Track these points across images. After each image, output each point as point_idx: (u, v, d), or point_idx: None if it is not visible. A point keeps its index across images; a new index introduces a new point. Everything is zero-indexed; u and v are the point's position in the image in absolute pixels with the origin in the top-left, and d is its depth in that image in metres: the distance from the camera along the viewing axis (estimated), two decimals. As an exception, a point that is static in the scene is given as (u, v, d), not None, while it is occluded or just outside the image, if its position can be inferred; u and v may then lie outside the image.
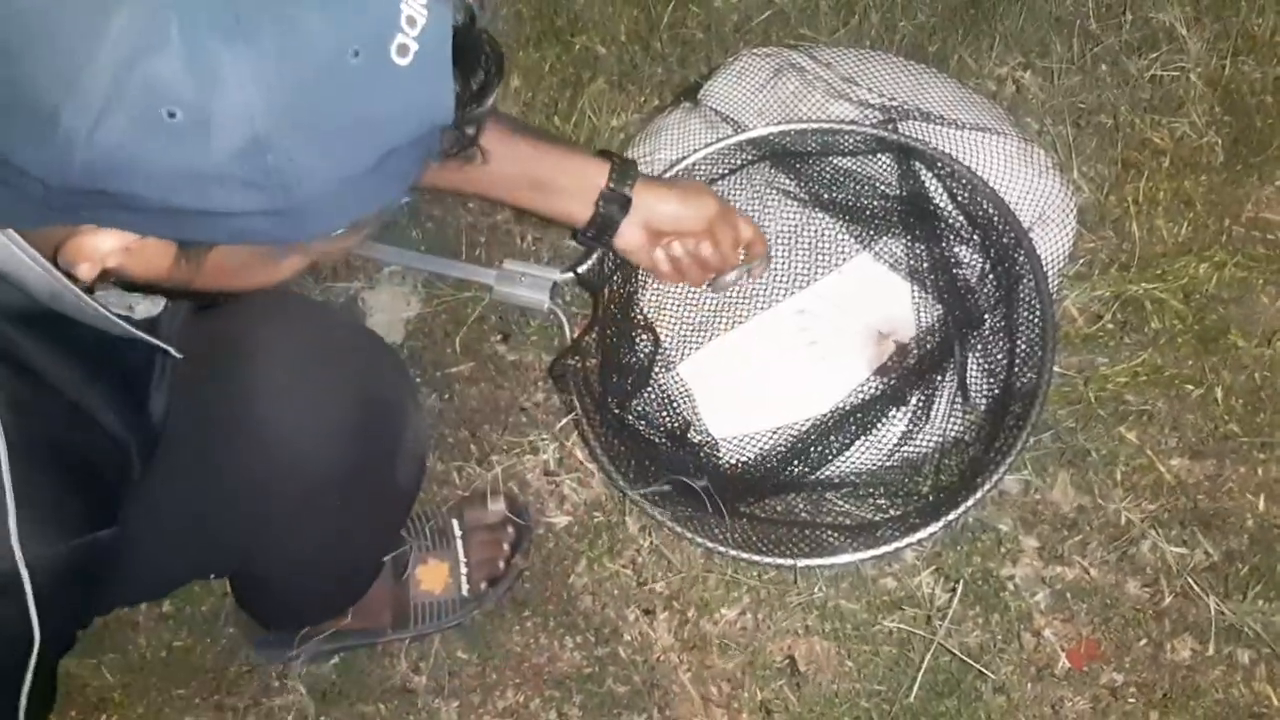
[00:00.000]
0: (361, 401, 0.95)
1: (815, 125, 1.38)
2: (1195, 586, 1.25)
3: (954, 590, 1.25)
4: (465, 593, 1.29)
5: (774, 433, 1.30)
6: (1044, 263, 1.30)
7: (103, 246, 0.60)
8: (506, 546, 1.31)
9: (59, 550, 0.68)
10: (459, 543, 1.31)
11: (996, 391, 1.28)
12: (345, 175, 0.58)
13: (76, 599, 0.73)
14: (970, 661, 1.21)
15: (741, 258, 1.28)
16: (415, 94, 0.58)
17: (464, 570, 1.30)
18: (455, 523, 1.31)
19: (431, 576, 1.29)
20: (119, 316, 0.72)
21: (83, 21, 0.51)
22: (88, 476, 0.73)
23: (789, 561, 1.24)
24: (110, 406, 0.76)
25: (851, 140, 1.38)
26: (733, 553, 1.24)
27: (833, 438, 1.29)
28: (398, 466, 1.03)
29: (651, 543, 1.31)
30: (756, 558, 1.24)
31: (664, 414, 1.33)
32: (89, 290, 0.68)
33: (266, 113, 0.54)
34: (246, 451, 0.88)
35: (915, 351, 1.32)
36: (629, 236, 1.18)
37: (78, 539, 0.70)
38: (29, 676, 0.70)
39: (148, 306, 0.77)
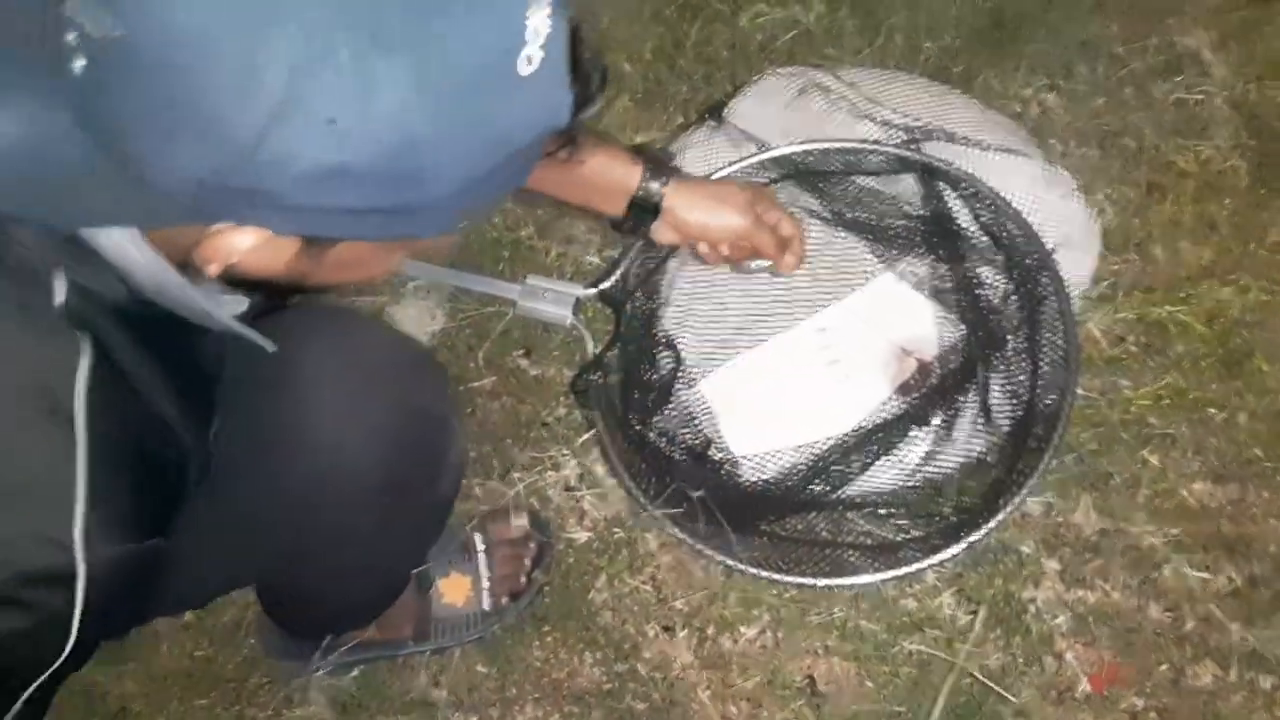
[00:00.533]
0: (406, 414, 0.97)
1: (839, 144, 1.38)
2: (1218, 612, 1.24)
3: (975, 612, 1.25)
4: (487, 607, 1.30)
5: (795, 451, 1.30)
6: (1068, 285, 1.31)
7: (240, 245, 0.63)
8: (528, 561, 1.32)
9: (118, 553, 0.69)
10: (481, 557, 1.31)
11: (1019, 413, 1.28)
12: (470, 176, 0.61)
13: (120, 606, 0.73)
14: (991, 685, 1.21)
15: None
16: (538, 100, 0.61)
17: (486, 584, 1.30)
18: (478, 537, 1.32)
19: (453, 590, 1.30)
20: (223, 314, 0.73)
21: (248, 38, 0.54)
22: (156, 482, 0.75)
23: (810, 581, 1.24)
24: (182, 414, 0.77)
25: (875, 160, 1.38)
26: (752, 571, 1.25)
27: (854, 457, 1.29)
28: (438, 478, 1.05)
29: (671, 559, 1.31)
30: (776, 576, 1.24)
31: (685, 431, 1.34)
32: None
33: (414, 116, 0.57)
34: (294, 462, 0.89)
35: (938, 371, 1.32)
36: (661, 234, 1.21)
37: (137, 544, 0.70)
38: (41, 678, 0.70)
39: (233, 305, 0.79)
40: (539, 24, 0.59)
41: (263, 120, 0.55)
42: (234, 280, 0.68)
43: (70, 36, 0.56)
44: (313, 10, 0.54)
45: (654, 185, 1.16)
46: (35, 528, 0.66)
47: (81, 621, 0.68)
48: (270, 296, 0.82)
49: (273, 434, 0.89)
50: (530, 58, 0.59)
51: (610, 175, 1.16)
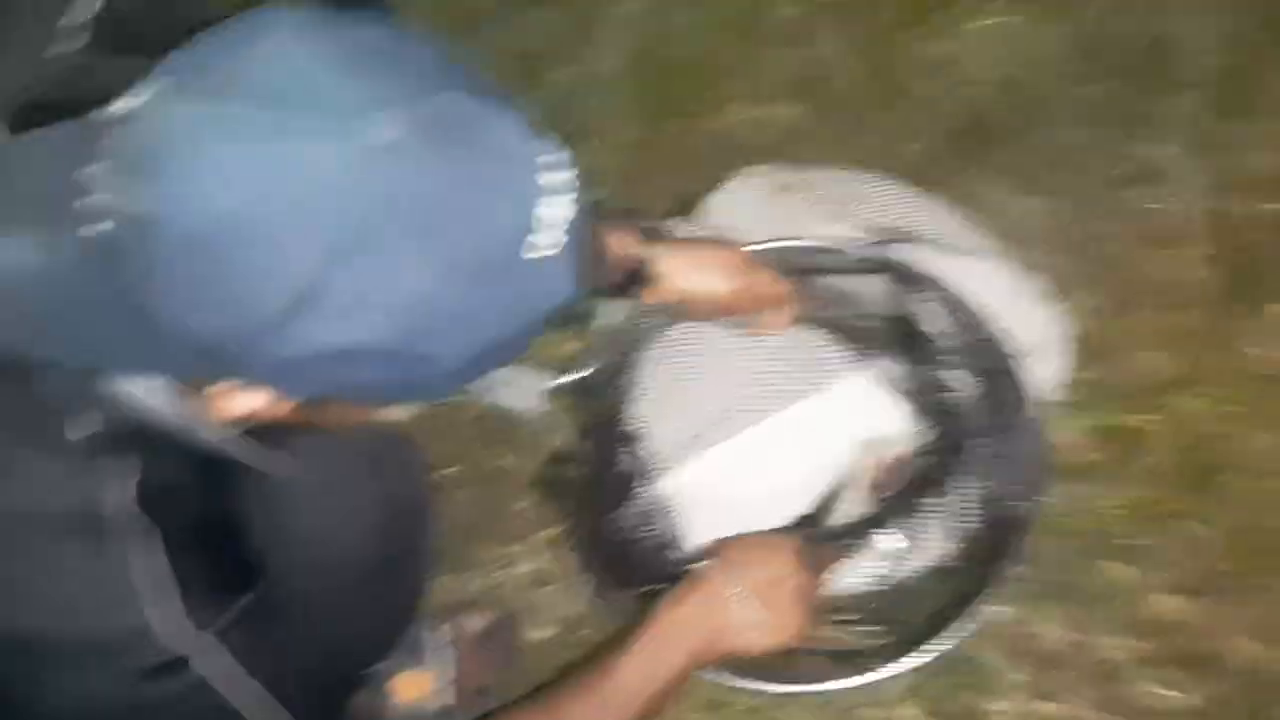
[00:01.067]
0: (392, 497, 0.98)
1: (813, 243, 1.39)
2: (1185, 731, 1.22)
3: (936, 726, 1.22)
4: (451, 701, 1.27)
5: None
6: (1036, 391, 1.30)
7: (250, 404, 0.65)
8: (489, 659, 1.29)
9: (216, 622, 0.72)
10: (441, 654, 1.29)
11: (987, 519, 1.27)
12: (480, 354, 0.63)
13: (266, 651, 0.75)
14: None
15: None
16: (552, 281, 0.63)
17: (445, 681, 1.28)
18: (437, 634, 1.29)
19: (410, 687, 1.26)
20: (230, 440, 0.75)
21: (284, 224, 0.56)
22: (220, 552, 0.78)
23: (772, 687, 1.21)
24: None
25: (848, 260, 1.39)
26: (710, 678, 1.22)
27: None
28: (421, 558, 1.06)
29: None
30: (739, 683, 1.22)
31: (649, 527, 1.32)
32: None
33: (435, 303, 0.59)
34: (287, 544, 0.88)
35: (906, 473, 1.31)
36: (653, 299, 1.19)
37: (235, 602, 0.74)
38: None
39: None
40: (557, 209, 0.61)
41: (288, 302, 0.56)
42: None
43: (96, 199, 0.58)
44: (350, 199, 0.56)
45: (649, 251, 1.15)
46: (125, 638, 0.69)
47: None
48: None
49: (265, 528, 0.88)
50: (548, 241, 0.61)
51: (608, 242, 1.14)
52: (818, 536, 1.23)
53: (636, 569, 1.28)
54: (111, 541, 0.69)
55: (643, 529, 1.32)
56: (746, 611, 1.05)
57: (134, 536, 0.69)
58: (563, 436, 1.35)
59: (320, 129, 0.56)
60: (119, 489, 0.69)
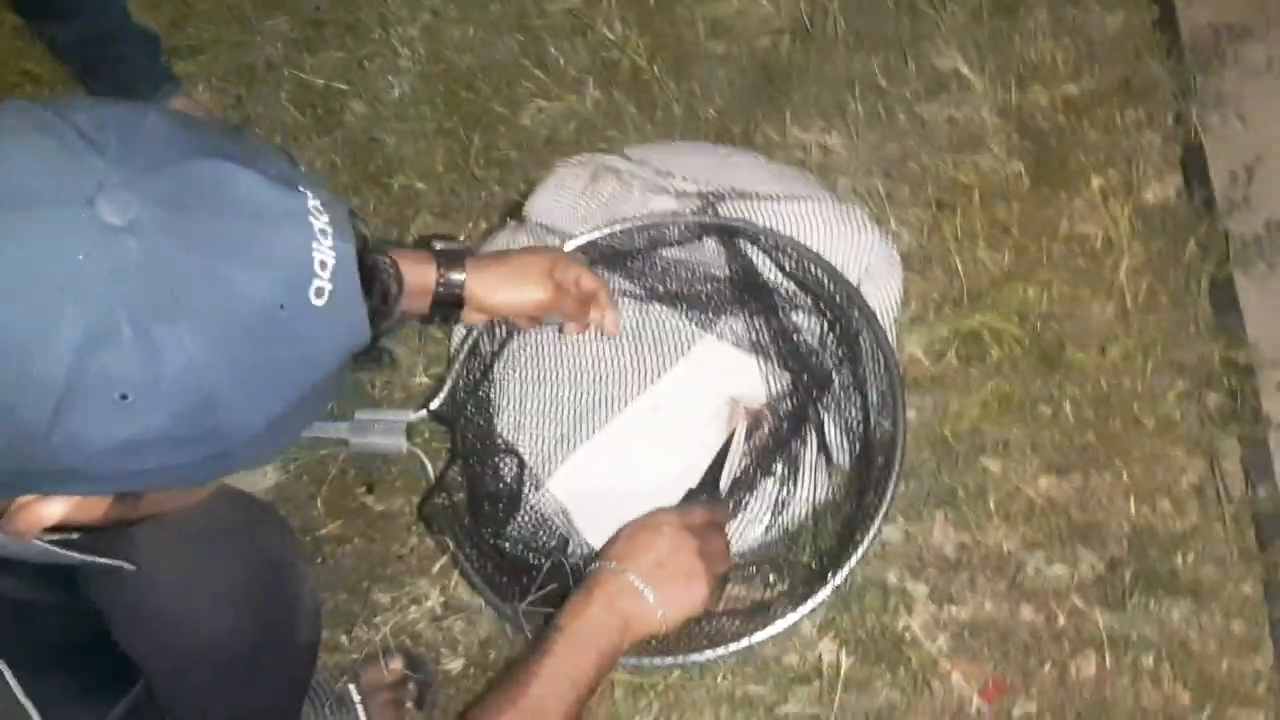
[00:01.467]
0: (253, 568, 0.95)
1: (638, 222, 1.40)
2: (1083, 603, 1.26)
3: (856, 653, 1.24)
4: (372, 758, 1.25)
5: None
6: (879, 313, 1.33)
7: (50, 514, 0.62)
8: (410, 703, 1.28)
9: None
10: (360, 709, 1.27)
11: (858, 447, 1.30)
12: (277, 414, 0.61)
13: None
14: (882, 722, 1.21)
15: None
16: (337, 328, 0.62)
17: (365, 737, 1.26)
18: (353, 688, 1.27)
19: (334, 748, 1.25)
20: (58, 545, 0.71)
21: (31, 323, 0.54)
22: (91, 658, 0.76)
23: (692, 658, 1.22)
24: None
25: (675, 230, 1.40)
26: (633, 661, 1.22)
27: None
28: (296, 626, 1.02)
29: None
30: (657, 661, 1.22)
31: (542, 534, 1.32)
32: None
33: (209, 376, 0.57)
34: (152, 640, 0.87)
35: (771, 420, 1.33)
36: (469, 317, 1.20)
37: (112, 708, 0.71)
38: None
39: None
40: (324, 256, 0.60)
41: (50, 406, 0.54)
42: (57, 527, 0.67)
43: None
44: (89, 290, 0.54)
45: (453, 276, 1.15)
46: None
47: None
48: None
49: (127, 616, 0.86)
50: (320, 289, 0.60)
51: (408, 277, 1.12)
52: (694, 500, 1.24)
53: (534, 579, 1.28)
54: None
55: (532, 538, 1.31)
56: (645, 597, 1.06)
57: None
58: (435, 467, 1.33)
59: (48, 222, 0.54)
60: None
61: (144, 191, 0.56)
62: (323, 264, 0.60)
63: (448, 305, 1.16)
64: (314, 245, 0.60)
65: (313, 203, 0.61)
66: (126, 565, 0.79)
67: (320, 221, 0.60)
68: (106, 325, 0.54)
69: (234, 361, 0.57)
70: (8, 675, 0.67)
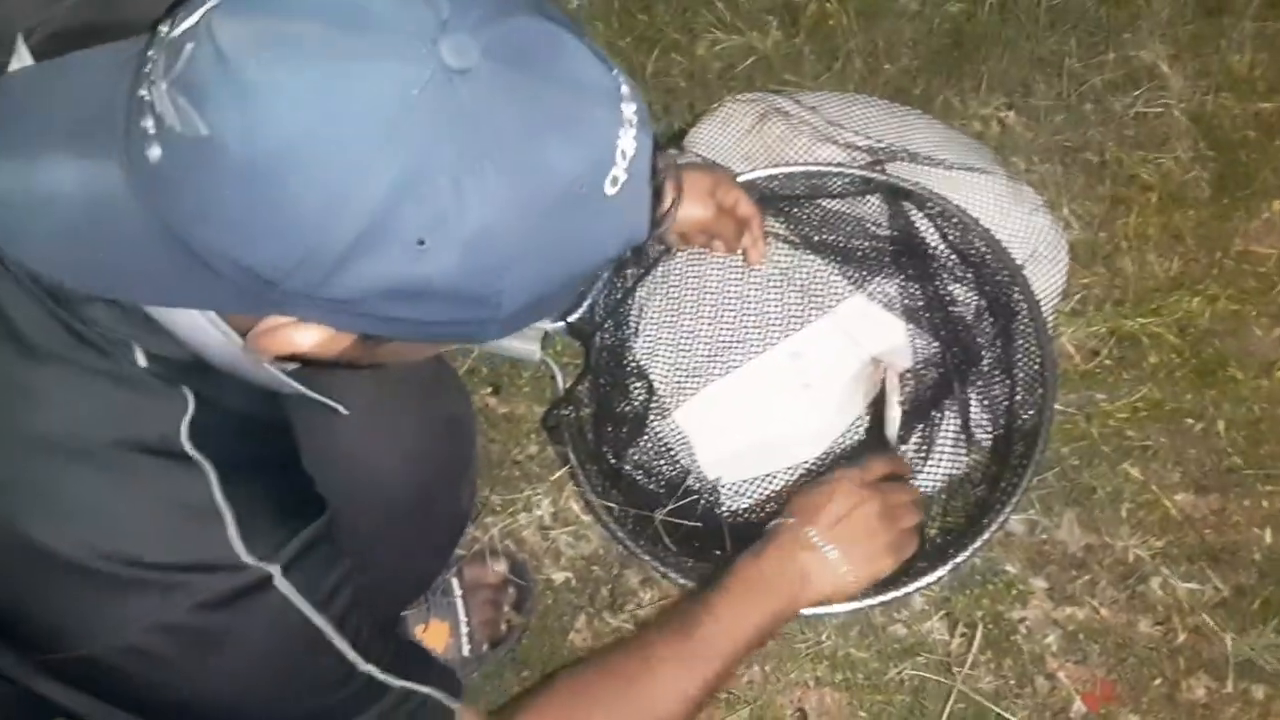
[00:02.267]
0: (435, 424, 0.97)
1: (802, 168, 1.37)
2: (1209, 623, 1.23)
3: (966, 635, 1.22)
4: (466, 653, 1.25)
5: (773, 476, 1.28)
6: (1039, 299, 1.29)
7: (303, 341, 0.61)
8: (507, 606, 1.28)
9: (291, 542, 0.70)
10: (460, 603, 1.27)
11: (999, 430, 1.27)
12: (543, 294, 0.60)
13: (334, 580, 0.73)
14: (990, 705, 1.18)
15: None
16: (621, 219, 0.60)
17: (465, 631, 1.26)
18: (455, 582, 1.28)
19: (433, 637, 1.25)
20: (288, 375, 0.72)
21: (356, 150, 0.53)
22: (289, 479, 0.76)
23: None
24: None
25: (839, 182, 1.37)
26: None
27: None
28: (463, 486, 1.04)
29: (653, 596, 1.27)
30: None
31: (661, 462, 1.31)
32: None
33: (502, 239, 0.56)
34: (334, 473, 0.85)
35: (914, 389, 1.30)
36: None
37: (296, 533, 0.71)
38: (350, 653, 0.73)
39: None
40: (626, 144, 0.58)
41: (350, 238, 0.54)
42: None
43: (148, 123, 0.55)
44: (416, 128, 0.53)
45: None
46: (203, 558, 0.67)
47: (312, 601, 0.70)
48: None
49: (314, 448, 0.85)
50: (616, 178, 0.58)
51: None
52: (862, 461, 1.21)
53: (648, 506, 1.27)
54: (177, 470, 0.66)
55: (652, 465, 1.30)
56: (826, 555, 1.04)
57: (193, 467, 0.67)
58: (565, 379, 1.32)
59: (390, 50, 0.53)
60: (172, 422, 0.67)
61: (484, 40, 0.54)
62: (624, 152, 0.58)
63: None
64: (620, 131, 0.58)
65: (624, 88, 0.59)
66: (340, 409, 0.78)
67: (629, 110, 0.59)
68: (424, 168, 0.53)
69: (526, 230, 0.56)
70: (211, 477, 0.67)
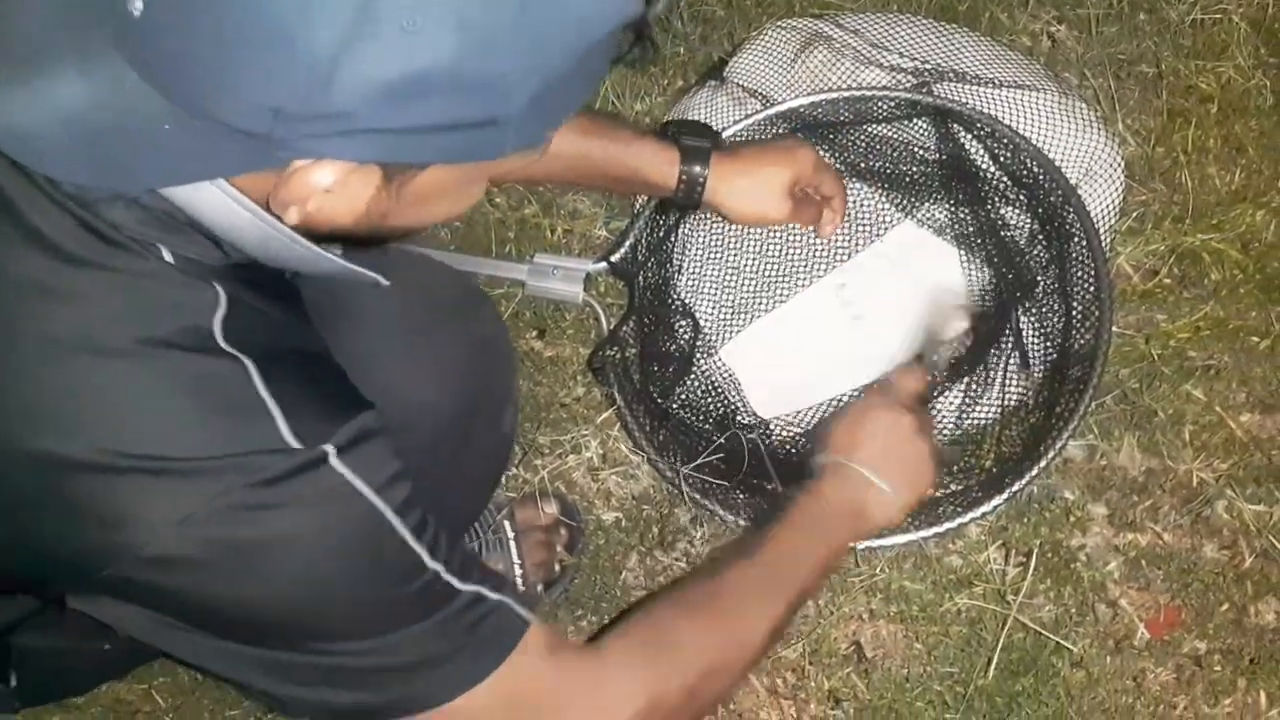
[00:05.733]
0: (470, 345, 0.96)
1: (846, 93, 1.33)
2: (1277, 545, 1.19)
3: (1023, 564, 1.20)
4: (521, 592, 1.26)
5: (824, 406, 1.26)
6: (1094, 219, 1.25)
7: (321, 181, 0.61)
8: (560, 548, 1.28)
9: (341, 429, 0.68)
10: (512, 545, 1.27)
11: (1054, 355, 1.24)
12: (548, 79, 0.60)
13: (389, 466, 0.71)
14: (1048, 634, 1.16)
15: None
16: None
17: (518, 573, 1.26)
18: (507, 525, 1.28)
19: (487, 578, 1.26)
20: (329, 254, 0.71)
21: None
22: (331, 373, 0.75)
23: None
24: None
25: (885, 106, 1.33)
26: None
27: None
28: (503, 409, 1.03)
29: (704, 534, 1.27)
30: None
31: (709, 400, 1.29)
32: None
33: (496, 14, 0.56)
34: (376, 393, 0.84)
35: (971, 319, 1.27)
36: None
37: (347, 422, 0.69)
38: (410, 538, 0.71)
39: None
40: None
41: (336, 36, 0.54)
42: (316, 235, 0.67)
43: None
44: None
45: (696, 169, 1.16)
46: (253, 445, 0.65)
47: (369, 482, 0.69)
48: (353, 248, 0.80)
49: (354, 367, 0.84)
50: None
51: (653, 165, 1.16)
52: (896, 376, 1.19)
53: (697, 443, 1.26)
54: (214, 364, 0.66)
55: (700, 403, 1.29)
56: (879, 487, 1.04)
57: (231, 361, 0.66)
58: (609, 320, 1.31)
59: None
60: (204, 317, 0.66)
61: None
62: None
63: (692, 188, 1.17)
64: None
65: None
66: (381, 280, 0.77)
67: None
68: None
69: (523, 6, 0.56)
70: (252, 371, 0.66)
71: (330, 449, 0.67)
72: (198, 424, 0.65)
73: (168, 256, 0.66)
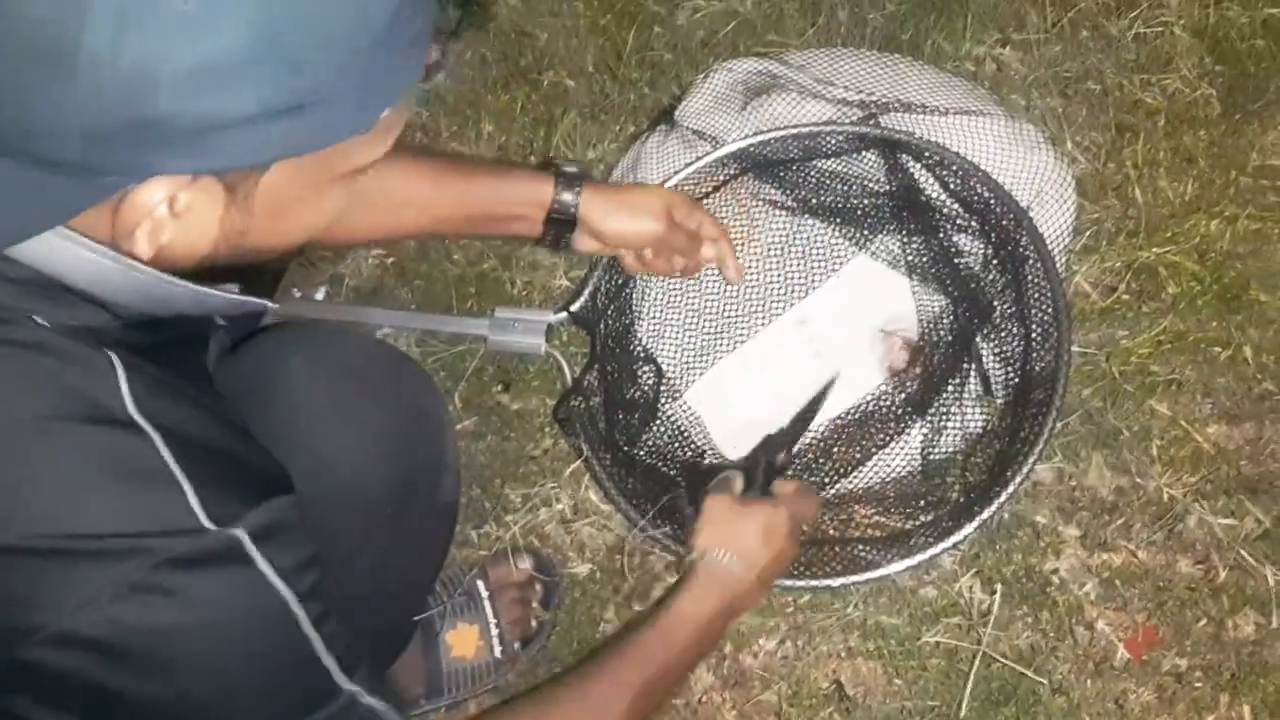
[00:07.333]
0: (400, 415, 0.94)
1: (794, 130, 1.34)
2: (1250, 558, 1.19)
3: (995, 592, 1.20)
4: (498, 654, 1.25)
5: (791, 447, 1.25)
6: (1048, 240, 1.25)
7: (152, 199, 0.60)
8: (535, 604, 1.28)
9: (255, 511, 0.66)
10: (487, 604, 1.27)
11: (1016, 379, 1.23)
12: (348, 50, 0.59)
13: (303, 563, 0.69)
14: (1020, 669, 1.16)
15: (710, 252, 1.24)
16: None
17: (495, 632, 1.26)
18: (480, 584, 1.27)
19: (462, 641, 1.25)
20: (204, 287, 0.69)
21: None
22: (244, 454, 0.72)
23: (823, 583, 1.19)
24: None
25: (834, 140, 1.34)
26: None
27: (854, 445, 1.25)
28: (440, 478, 1.01)
29: (679, 580, 1.26)
30: (788, 583, 1.19)
31: (676, 445, 1.29)
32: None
33: None
34: (299, 480, 0.82)
35: (927, 348, 1.27)
36: (583, 245, 1.18)
37: (264, 500, 0.67)
38: (314, 636, 0.69)
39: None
40: None
41: (108, 32, 0.53)
42: (192, 274, 0.66)
43: None
44: None
45: (567, 196, 1.14)
46: (162, 523, 0.63)
47: (281, 575, 0.66)
48: (238, 279, 0.77)
49: (274, 447, 0.82)
50: None
51: (521, 195, 1.14)
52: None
53: (666, 489, 1.25)
54: (121, 437, 0.63)
55: (667, 449, 1.29)
56: (747, 580, 1.05)
57: (139, 434, 0.64)
58: (573, 370, 1.31)
59: None
60: (107, 387, 0.64)
61: None
62: None
63: (561, 224, 1.15)
64: None
65: None
66: (269, 304, 0.76)
67: None
68: None
69: None
70: (159, 444, 0.64)
71: (243, 535, 0.65)
72: (101, 499, 0.63)
73: (48, 325, 0.64)
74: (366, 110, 0.62)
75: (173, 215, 0.61)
